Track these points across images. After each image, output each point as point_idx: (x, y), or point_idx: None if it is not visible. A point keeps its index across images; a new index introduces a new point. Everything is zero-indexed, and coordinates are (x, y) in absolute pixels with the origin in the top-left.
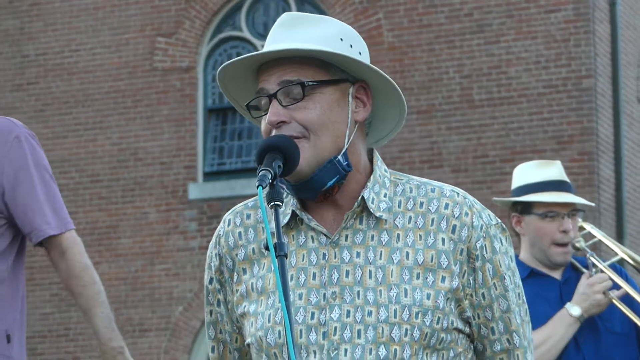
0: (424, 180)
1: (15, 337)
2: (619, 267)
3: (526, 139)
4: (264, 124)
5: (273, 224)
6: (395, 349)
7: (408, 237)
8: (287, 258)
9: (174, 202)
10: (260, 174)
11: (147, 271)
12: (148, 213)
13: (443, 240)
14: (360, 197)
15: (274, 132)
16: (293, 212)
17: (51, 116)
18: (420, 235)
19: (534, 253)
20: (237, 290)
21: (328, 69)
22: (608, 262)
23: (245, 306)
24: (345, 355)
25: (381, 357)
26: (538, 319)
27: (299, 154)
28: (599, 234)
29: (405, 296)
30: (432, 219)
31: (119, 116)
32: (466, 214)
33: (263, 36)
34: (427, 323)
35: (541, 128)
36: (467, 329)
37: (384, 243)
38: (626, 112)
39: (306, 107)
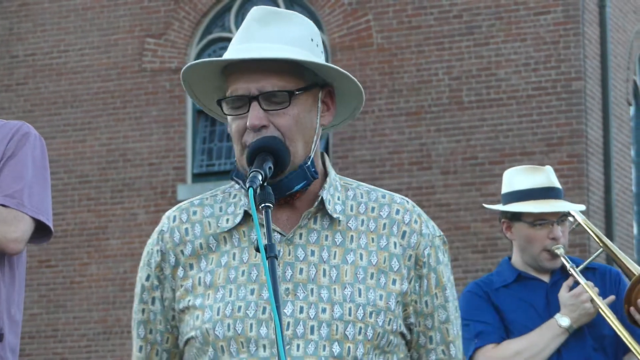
0: (372, 187)
1: (7, 336)
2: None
3: (515, 141)
4: (237, 123)
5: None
6: (349, 347)
7: (361, 239)
8: (277, 259)
9: (163, 203)
10: (250, 175)
11: (136, 272)
12: (137, 214)
13: (395, 244)
14: (320, 198)
15: (250, 135)
16: (245, 211)
17: (40, 117)
18: (372, 238)
19: (524, 258)
20: (181, 286)
21: (303, 74)
22: (587, 262)
23: (189, 300)
24: (298, 350)
25: (335, 354)
26: (523, 325)
27: (289, 155)
28: (583, 222)
29: (359, 295)
30: (384, 224)
31: (107, 117)
32: (415, 222)
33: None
34: (380, 323)
35: (530, 130)
36: (408, 336)
37: (337, 243)
38: (615, 114)
39: (286, 112)
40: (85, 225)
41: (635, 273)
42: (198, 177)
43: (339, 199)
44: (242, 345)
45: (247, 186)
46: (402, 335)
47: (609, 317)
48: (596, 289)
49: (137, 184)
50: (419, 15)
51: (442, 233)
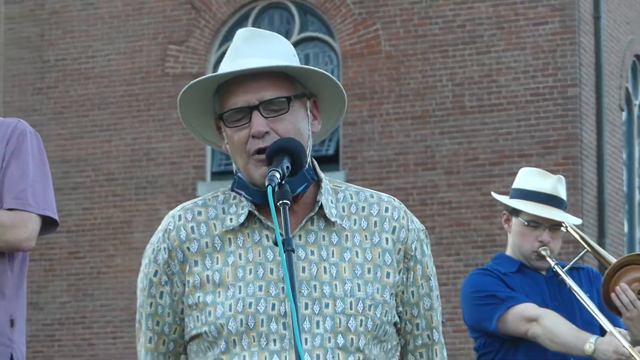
0: (360, 187)
1: (17, 323)
2: (591, 269)
3: (514, 143)
4: (238, 134)
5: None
6: (352, 338)
7: (355, 237)
8: (294, 253)
9: (184, 199)
10: (269, 174)
11: None
12: (159, 210)
13: (386, 239)
14: (319, 203)
15: (254, 142)
16: (250, 212)
17: (69, 118)
18: (366, 236)
19: (516, 253)
20: (188, 281)
21: (294, 84)
22: (574, 262)
23: (199, 297)
24: (306, 344)
25: (340, 345)
26: (533, 298)
27: (305, 156)
28: (576, 232)
29: (359, 290)
30: (375, 221)
31: (132, 119)
32: (403, 218)
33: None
34: (378, 315)
35: (528, 134)
36: (398, 324)
37: (334, 243)
38: (608, 119)
39: (283, 119)
40: (111, 220)
41: (612, 263)
42: (217, 175)
43: (332, 202)
44: (254, 339)
45: (267, 184)
46: (395, 324)
47: None
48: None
49: (159, 182)
50: (424, 25)
51: (424, 227)
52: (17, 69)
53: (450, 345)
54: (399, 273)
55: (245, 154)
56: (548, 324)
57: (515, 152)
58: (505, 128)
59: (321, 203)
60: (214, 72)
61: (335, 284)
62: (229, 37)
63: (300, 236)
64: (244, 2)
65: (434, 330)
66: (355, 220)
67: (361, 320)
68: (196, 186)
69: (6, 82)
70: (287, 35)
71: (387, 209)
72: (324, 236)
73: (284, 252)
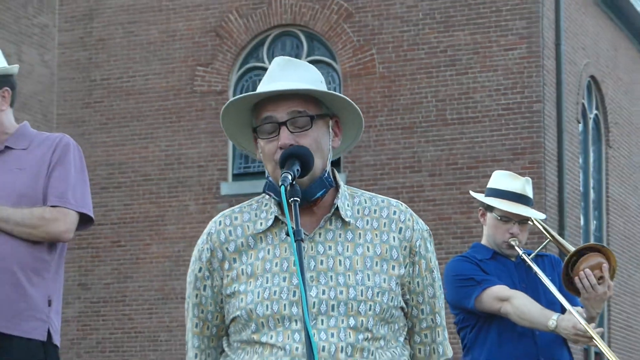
0: (372, 194)
1: (53, 303)
2: (553, 256)
3: (488, 150)
4: (269, 145)
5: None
6: (362, 320)
7: (367, 235)
8: (302, 242)
9: (209, 197)
10: (282, 175)
11: (187, 251)
12: (188, 205)
13: (393, 237)
14: (336, 205)
15: (280, 153)
16: (276, 217)
17: (112, 128)
18: (376, 234)
19: (490, 242)
20: (227, 275)
21: (319, 105)
22: (538, 250)
23: (235, 287)
24: (322, 324)
25: (351, 326)
26: (504, 280)
27: (313, 161)
28: (541, 225)
29: (368, 280)
30: (384, 222)
31: (165, 129)
32: (409, 220)
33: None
34: (385, 301)
35: (500, 142)
36: (406, 309)
37: (349, 240)
38: (567, 130)
39: (307, 134)
40: (147, 214)
41: (571, 251)
42: (237, 177)
43: (348, 205)
44: (278, 321)
45: (280, 184)
46: (402, 308)
47: (601, 349)
48: (600, 329)
49: (188, 182)
50: (412, 50)
51: (428, 227)
52: (69, 87)
53: None
54: (405, 267)
55: (273, 162)
56: (517, 303)
57: (488, 157)
58: (480, 137)
59: (337, 205)
60: (235, 90)
61: (349, 275)
62: (248, 60)
63: (320, 234)
64: (260, 31)
65: (437, 315)
66: (367, 220)
67: (370, 305)
68: (219, 186)
69: (59, 98)
70: (296, 58)
71: (394, 212)
72: (340, 234)
73: (295, 241)
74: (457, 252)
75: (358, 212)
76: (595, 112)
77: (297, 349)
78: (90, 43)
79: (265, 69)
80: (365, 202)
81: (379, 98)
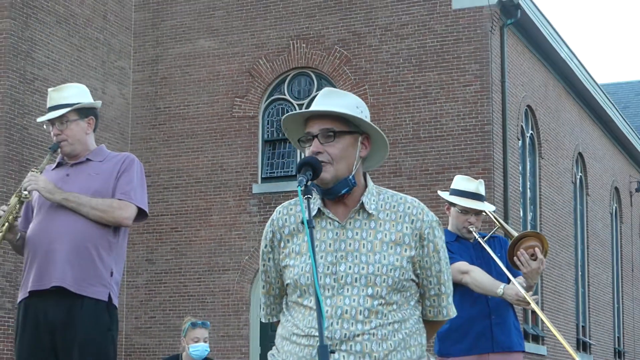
0: (394, 192)
1: (114, 274)
2: (501, 237)
3: (451, 160)
4: (308, 151)
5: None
6: (377, 290)
7: (386, 224)
8: (314, 228)
9: (244, 195)
10: (298, 179)
11: (227, 235)
12: (228, 201)
13: (406, 227)
14: (361, 201)
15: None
16: (319, 208)
17: (173, 144)
18: (393, 224)
19: (453, 228)
20: (283, 252)
21: (348, 124)
22: (491, 234)
23: (287, 262)
24: (348, 292)
25: (369, 294)
26: (465, 258)
27: (321, 168)
28: (491, 215)
29: (384, 259)
30: (400, 215)
31: (212, 144)
32: (420, 213)
33: (298, 98)
34: (396, 275)
35: (460, 154)
36: (416, 280)
37: (372, 227)
38: (510, 145)
39: (333, 145)
40: (198, 208)
41: (514, 236)
42: (265, 180)
43: (373, 200)
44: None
45: (297, 186)
46: (413, 280)
47: (536, 310)
48: (535, 297)
49: (228, 184)
50: (395, 86)
51: (437, 219)
52: (140, 113)
53: None
54: (415, 249)
55: None
56: (474, 275)
57: (452, 165)
58: (445, 150)
59: (362, 201)
60: (263, 115)
61: (369, 255)
62: (273, 93)
63: (350, 222)
64: (282, 71)
65: (442, 285)
66: (387, 213)
67: (384, 279)
68: (251, 186)
69: (133, 122)
70: (309, 93)
71: (409, 207)
72: (365, 223)
73: (308, 228)
74: None
75: (381, 207)
76: (530, 132)
77: (327, 311)
78: (156, 81)
79: (285, 100)
80: (388, 199)
81: (373, 122)
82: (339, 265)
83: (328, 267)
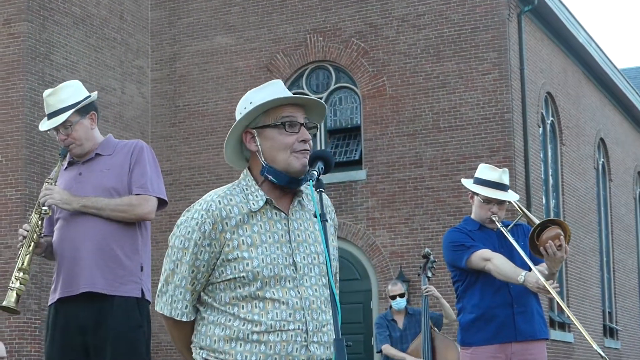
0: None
1: (145, 268)
2: (525, 225)
3: (471, 149)
4: (288, 138)
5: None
6: (329, 278)
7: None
8: (327, 222)
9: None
10: (310, 172)
11: None
12: None
13: (329, 218)
14: (302, 192)
15: (299, 145)
16: (267, 199)
17: (192, 141)
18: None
19: (477, 217)
20: (228, 244)
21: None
22: (514, 222)
23: (237, 254)
24: (307, 282)
25: (324, 283)
26: (487, 246)
27: (334, 161)
28: (515, 204)
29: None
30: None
31: None
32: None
33: (316, 92)
34: (336, 265)
35: (480, 143)
36: None
37: (308, 218)
38: (531, 133)
39: (311, 135)
40: None
41: (536, 223)
42: None
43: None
44: (277, 280)
45: (308, 178)
46: None
47: (556, 299)
48: (556, 285)
49: None
50: (413, 77)
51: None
52: (159, 111)
53: (435, 276)
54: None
55: (289, 151)
56: (497, 262)
57: (473, 155)
58: (465, 140)
59: (303, 192)
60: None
61: (316, 245)
62: (291, 88)
63: (292, 213)
64: (299, 65)
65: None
66: (310, 204)
67: (331, 268)
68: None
69: (153, 120)
70: (327, 86)
71: (325, 199)
72: (302, 214)
73: (321, 221)
74: (451, 226)
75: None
76: (551, 118)
77: (296, 302)
78: (174, 79)
79: (304, 94)
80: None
81: (389, 113)
82: (295, 256)
83: (286, 258)
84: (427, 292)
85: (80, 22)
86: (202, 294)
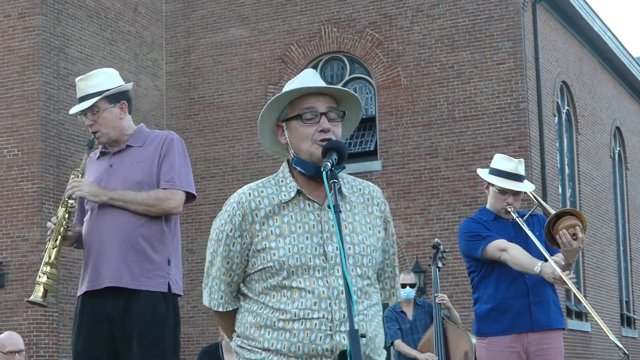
0: (354, 177)
1: (173, 261)
2: (541, 215)
3: (487, 139)
4: (308, 129)
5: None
6: (365, 270)
7: (358, 207)
8: (341, 213)
9: None
10: (324, 163)
11: None
12: None
13: (375, 209)
14: (339, 184)
15: (319, 135)
16: (298, 190)
17: (208, 133)
18: (363, 207)
19: (492, 208)
20: (257, 235)
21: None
22: (530, 213)
23: (265, 244)
24: (339, 272)
25: (359, 274)
26: (503, 237)
27: (347, 153)
28: (531, 194)
29: (367, 240)
30: (368, 198)
31: (247, 132)
32: (382, 196)
33: (331, 83)
34: (377, 256)
35: (495, 133)
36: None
37: (348, 210)
38: (546, 122)
39: (337, 125)
40: None
41: (552, 213)
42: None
43: (344, 184)
44: (305, 270)
45: (322, 169)
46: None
47: (572, 289)
48: (572, 276)
49: (266, 171)
50: (428, 67)
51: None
52: (174, 104)
53: (451, 266)
54: (383, 232)
55: (310, 141)
56: (513, 253)
57: (488, 144)
58: (481, 130)
59: (340, 183)
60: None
61: (353, 235)
62: None
63: (328, 205)
64: (314, 56)
65: (395, 268)
66: (356, 196)
67: (369, 259)
68: None
69: (168, 112)
70: (342, 77)
71: (373, 191)
72: (341, 205)
73: (334, 212)
74: (466, 216)
75: (349, 189)
76: (567, 108)
77: (323, 292)
78: (189, 71)
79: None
80: (352, 182)
81: (404, 103)
82: (327, 246)
83: (316, 248)
84: (440, 300)
85: (95, 15)
86: (241, 285)
